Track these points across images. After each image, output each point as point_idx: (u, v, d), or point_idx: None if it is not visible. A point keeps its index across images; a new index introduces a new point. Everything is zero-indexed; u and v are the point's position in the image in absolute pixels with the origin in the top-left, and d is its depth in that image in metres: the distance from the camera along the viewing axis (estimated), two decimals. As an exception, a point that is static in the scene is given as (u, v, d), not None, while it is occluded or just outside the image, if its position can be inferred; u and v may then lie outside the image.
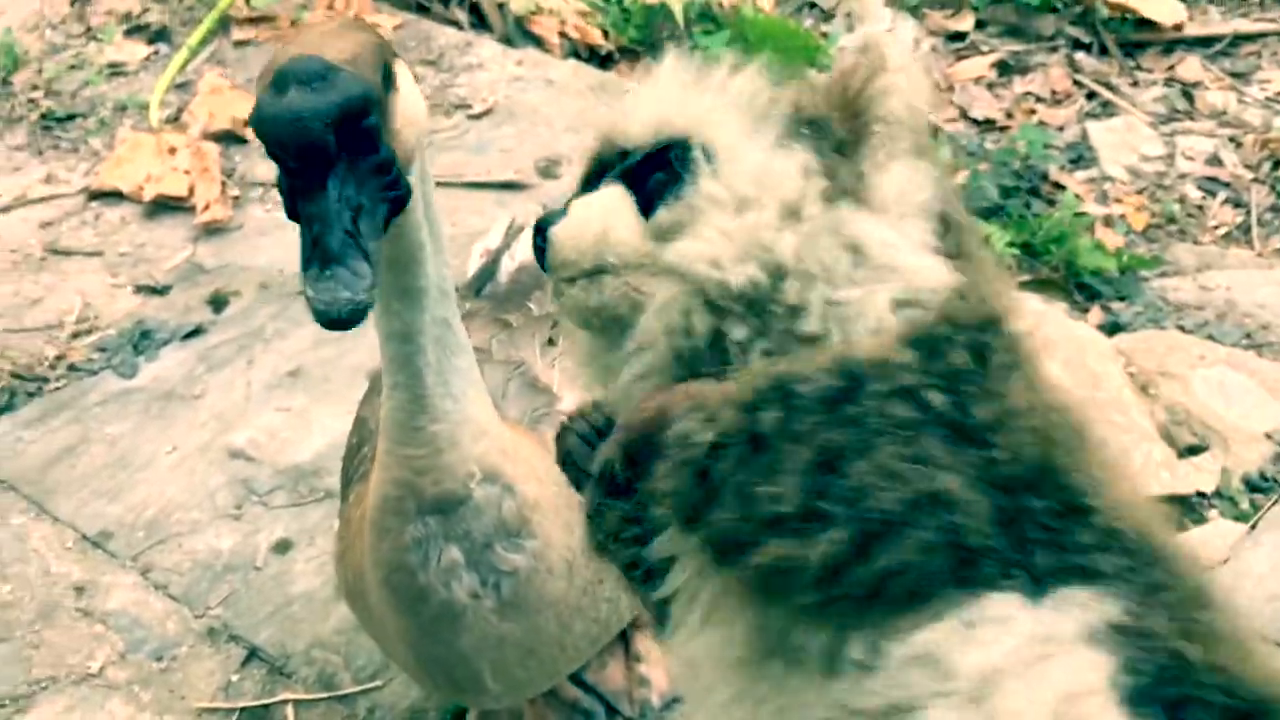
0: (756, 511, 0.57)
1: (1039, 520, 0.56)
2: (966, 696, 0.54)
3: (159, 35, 2.86)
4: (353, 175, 0.79)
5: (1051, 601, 0.56)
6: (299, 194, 0.79)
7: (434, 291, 1.00)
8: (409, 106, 0.89)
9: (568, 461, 0.79)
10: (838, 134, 0.66)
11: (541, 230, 0.73)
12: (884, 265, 0.64)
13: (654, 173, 0.69)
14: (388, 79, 0.86)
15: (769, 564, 0.56)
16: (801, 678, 0.61)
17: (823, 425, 0.57)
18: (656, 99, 0.72)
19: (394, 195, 0.83)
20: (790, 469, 0.57)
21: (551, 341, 1.37)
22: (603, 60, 2.80)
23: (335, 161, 0.78)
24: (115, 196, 2.41)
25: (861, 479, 0.55)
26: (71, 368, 2.06)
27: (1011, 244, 2.17)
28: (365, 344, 2.05)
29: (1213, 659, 0.55)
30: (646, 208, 0.69)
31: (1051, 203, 2.32)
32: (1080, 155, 2.48)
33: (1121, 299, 2.12)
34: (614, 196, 0.71)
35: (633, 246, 0.68)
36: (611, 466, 0.67)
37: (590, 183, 0.74)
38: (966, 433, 0.58)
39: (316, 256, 0.76)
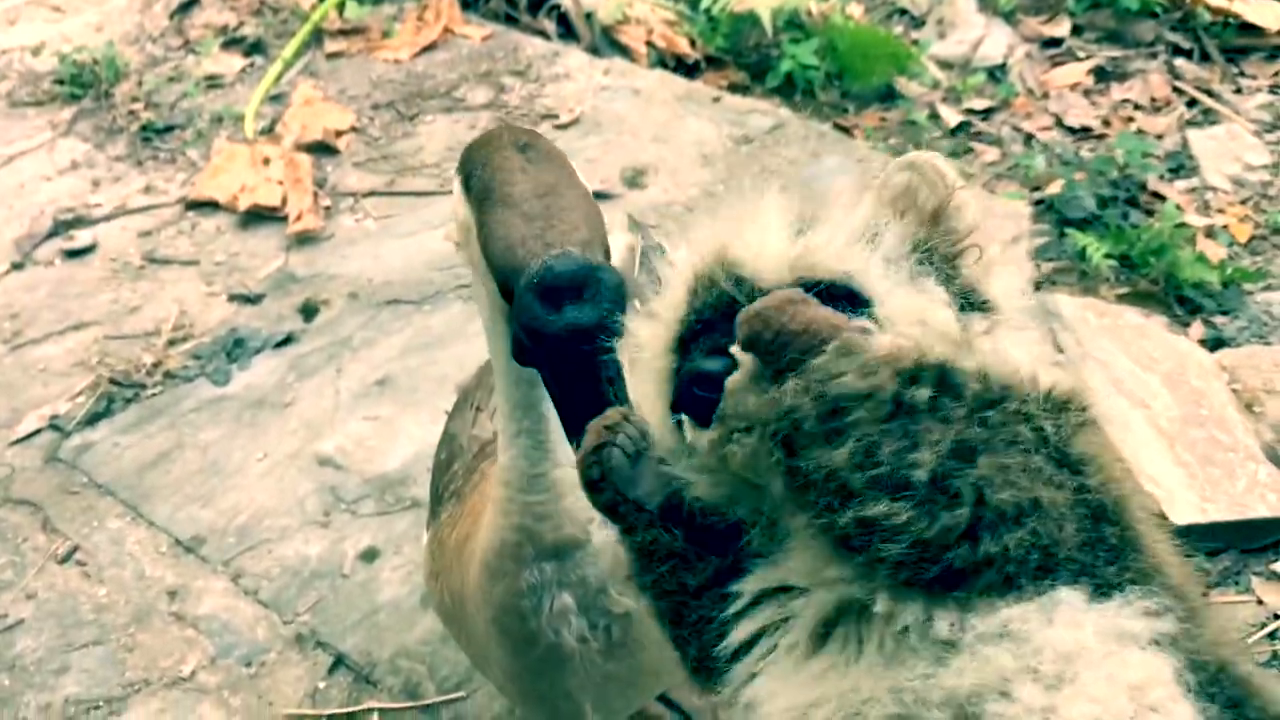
0: (881, 467, 0.63)
1: (1108, 542, 0.65)
2: (1050, 675, 0.60)
3: (254, 48, 2.92)
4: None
5: (1115, 606, 0.63)
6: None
7: None
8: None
9: (600, 479, 0.73)
10: (945, 253, 0.72)
11: (716, 382, 0.68)
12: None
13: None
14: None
15: (879, 519, 0.62)
16: (868, 669, 0.64)
17: (966, 418, 0.64)
18: (784, 238, 0.72)
19: None
20: (930, 444, 0.63)
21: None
22: (689, 69, 2.79)
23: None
24: (211, 206, 2.46)
25: (988, 472, 0.63)
26: (168, 375, 2.10)
27: (1109, 255, 2.12)
28: (451, 355, 2.06)
29: (1245, 673, 0.64)
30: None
31: (1150, 213, 2.26)
32: (1180, 164, 2.41)
33: (1224, 313, 2.06)
34: None
35: None
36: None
37: (712, 312, 0.71)
38: (1068, 462, 0.66)
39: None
